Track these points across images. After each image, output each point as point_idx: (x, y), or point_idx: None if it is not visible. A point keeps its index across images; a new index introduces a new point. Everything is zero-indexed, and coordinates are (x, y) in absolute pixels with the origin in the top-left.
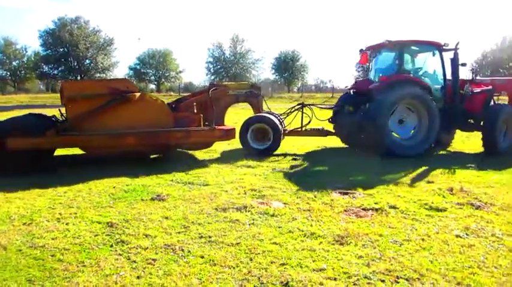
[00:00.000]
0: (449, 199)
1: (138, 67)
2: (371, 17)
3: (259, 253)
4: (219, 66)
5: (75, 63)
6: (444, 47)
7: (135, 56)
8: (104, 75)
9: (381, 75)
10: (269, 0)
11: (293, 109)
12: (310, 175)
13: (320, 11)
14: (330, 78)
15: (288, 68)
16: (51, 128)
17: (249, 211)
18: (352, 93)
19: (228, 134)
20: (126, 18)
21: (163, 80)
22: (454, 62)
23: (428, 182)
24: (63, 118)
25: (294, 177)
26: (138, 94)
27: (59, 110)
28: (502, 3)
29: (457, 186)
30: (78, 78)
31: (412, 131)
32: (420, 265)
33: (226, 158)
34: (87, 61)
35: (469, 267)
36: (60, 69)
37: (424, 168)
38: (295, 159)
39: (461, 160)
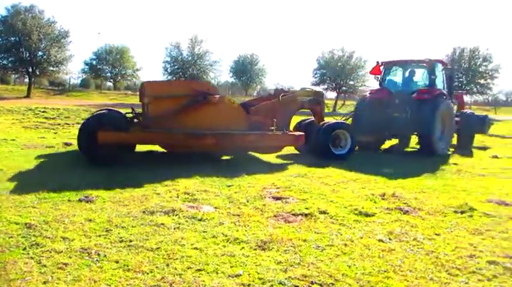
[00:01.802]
0: (380, 204)
1: (94, 62)
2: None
3: (177, 259)
4: (176, 67)
5: (27, 55)
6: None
7: (92, 51)
8: (57, 68)
9: (418, 88)
10: (230, 4)
11: (348, 116)
12: (249, 180)
13: (279, 17)
14: (289, 83)
15: (246, 71)
16: (134, 125)
17: (176, 215)
18: (368, 100)
19: (299, 139)
20: (87, 12)
21: (119, 77)
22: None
23: (363, 187)
24: (134, 115)
25: (231, 181)
26: (218, 96)
27: (132, 108)
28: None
29: (390, 191)
30: (30, 70)
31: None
32: (337, 270)
33: (166, 160)
34: (40, 53)
35: (384, 271)
36: (10, 59)
37: (361, 173)
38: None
39: (404, 163)
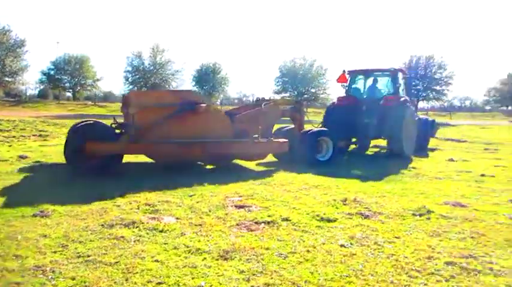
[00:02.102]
0: (342, 209)
1: (52, 72)
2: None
3: (137, 272)
4: (137, 76)
5: None
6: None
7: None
8: (13, 79)
9: (383, 95)
10: (192, 12)
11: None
12: (211, 189)
13: (242, 25)
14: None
15: (209, 80)
16: (122, 135)
17: (137, 227)
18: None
19: (282, 147)
20: (45, 20)
21: (79, 87)
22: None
23: (325, 193)
24: (116, 126)
25: (193, 191)
26: (204, 105)
27: (114, 118)
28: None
29: (351, 196)
30: None
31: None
32: (300, 277)
33: (130, 171)
34: None
35: (346, 276)
36: None
37: (323, 179)
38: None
39: (366, 168)
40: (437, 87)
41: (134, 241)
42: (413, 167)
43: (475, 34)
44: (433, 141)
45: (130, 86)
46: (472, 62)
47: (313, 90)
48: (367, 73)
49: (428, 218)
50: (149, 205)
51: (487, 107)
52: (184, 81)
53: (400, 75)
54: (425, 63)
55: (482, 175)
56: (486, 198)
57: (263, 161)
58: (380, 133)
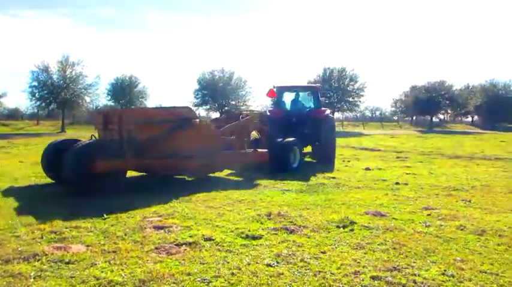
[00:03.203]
0: (266, 224)
1: None
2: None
3: None
4: (45, 91)
5: None
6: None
7: None
8: None
9: (310, 108)
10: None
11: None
12: (128, 209)
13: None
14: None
15: (125, 94)
16: (126, 152)
17: (39, 260)
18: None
19: (263, 156)
20: None
21: None
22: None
23: (249, 208)
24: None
25: (107, 213)
26: (198, 120)
27: (92, 135)
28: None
29: (276, 210)
30: None
31: None
32: None
33: (26, 191)
34: None
35: None
36: None
37: (247, 192)
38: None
39: (287, 179)
40: (350, 99)
41: (34, 278)
42: (333, 177)
43: (382, 46)
44: (350, 151)
45: (38, 102)
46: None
47: (233, 102)
48: (293, 89)
49: (352, 230)
50: (55, 233)
51: (395, 117)
52: (98, 96)
53: (319, 90)
54: (338, 75)
55: (397, 183)
56: (402, 206)
57: (180, 176)
58: (313, 142)
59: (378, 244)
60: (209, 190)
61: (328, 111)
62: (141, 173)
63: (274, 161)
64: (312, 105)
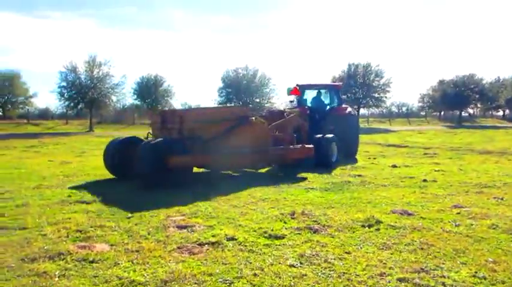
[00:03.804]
0: (290, 224)
1: None
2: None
3: None
4: (73, 91)
5: None
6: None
7: None
8: None
9: (332, 105)
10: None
11: None
12: (152, 208)
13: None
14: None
15: (150, 93)
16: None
17: (63, 259)
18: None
19: (310, 151)
20: None
21: (9, 106)
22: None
23: (273, 207)
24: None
25: (131, 212)
26: (253, 118)
27: (148, 133)
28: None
29: (299, 209)
30: None
31: None
32: None
33: (54, 190)
34: None
35: None
36: None
37: (270, 189)
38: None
39: (311, 178)
40: (376, 95)
41: (59, 277)
42: (359, 175)
43: (408, 41)
44: (376, 148)
45: (67, 102)
46: (406, 68)
47: (257, 100)
48: (314, 87)
49: (378, 229)
50: (80, 232)
51: (422, 113)
52: (124, 95)
53: (340, 89)
54: (363, 71)
55: (425, 181)
56: (431, 204)
57: (204, 172)
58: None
59: (405, 244)
60: (232, 188)
61: (349, 109)
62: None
63: (319, 155)
64: (333, 103)
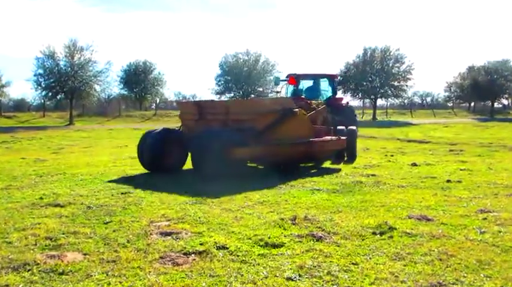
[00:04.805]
0: (290, 230)
1: None
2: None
3: None
4: (52, 80)
5: None
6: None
7: None
8: None
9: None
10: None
11: None
12: (134, 212)
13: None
14: (192, 92)
15: (139, 81)
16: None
17: (29, 271)
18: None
19: (344, 143)
20: None
21: None
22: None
23: (272, 211)
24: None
25: (110, 216)
26: (297, 109)
27: (180, 126)
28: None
29: (302, 213)
30: None
31: None
32: None
33: (23, 191)
34: None
35: None
36: None
37: (270, 191)
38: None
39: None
40: (396, 83)
41: None
42: (373, 174)
43: (432, 22)
44: (394, 143)
45: (44, 92)
46: (430, 53)
47: (260, 89)
48: (310, 77)
49: (390, 237)
50: (50, 239)
51: (449, 104)
52: (109, 84)
53: (336, 79)
54: (381, 56)
55: (448, 181)
56: (453, 209)
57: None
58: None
59: (421, 255)
60: (227, 189)
61: (346, 100)
62: (145, 171)
63: (348, 148)
64: (328, 94)
